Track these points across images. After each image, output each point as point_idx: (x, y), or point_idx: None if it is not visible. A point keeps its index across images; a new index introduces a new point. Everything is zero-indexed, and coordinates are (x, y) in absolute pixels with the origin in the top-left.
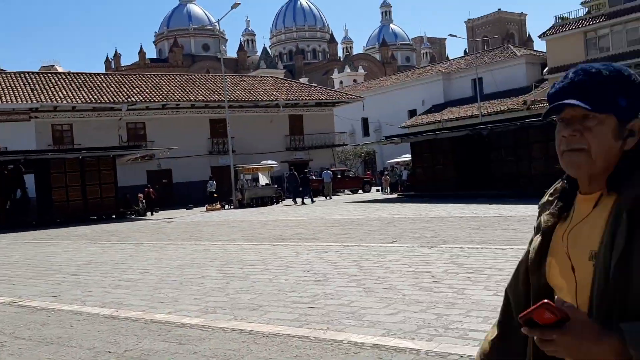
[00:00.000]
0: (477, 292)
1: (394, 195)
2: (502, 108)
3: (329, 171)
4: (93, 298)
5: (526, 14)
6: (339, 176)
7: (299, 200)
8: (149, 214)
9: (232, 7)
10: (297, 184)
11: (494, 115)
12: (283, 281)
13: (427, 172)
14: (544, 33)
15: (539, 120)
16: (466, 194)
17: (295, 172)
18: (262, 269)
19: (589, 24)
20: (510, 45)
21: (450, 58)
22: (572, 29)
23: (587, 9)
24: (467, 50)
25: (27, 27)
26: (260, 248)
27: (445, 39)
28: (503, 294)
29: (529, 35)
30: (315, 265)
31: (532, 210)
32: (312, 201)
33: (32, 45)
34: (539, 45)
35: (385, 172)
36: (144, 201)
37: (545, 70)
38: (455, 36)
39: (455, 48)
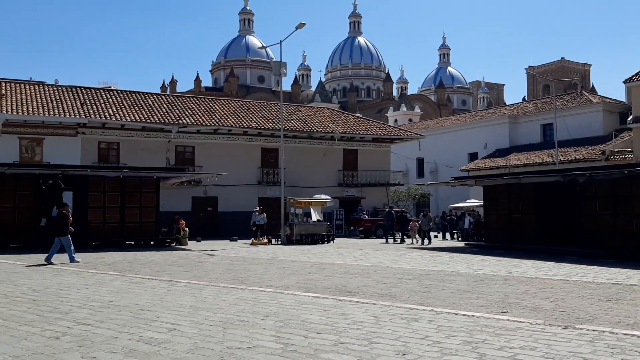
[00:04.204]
0: None
1: (461, 244)
2: (578, 157)
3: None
4: None
5: (590, 65)
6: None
7: (390, 240)
8: (192, 242)
9: (297, 28)
10: (393, 222)
11: (567, 164)
12: None
13: (502, 221)
14: (629, 78)
15: None
16: (548, 249)
17: (394, 211)
18: (335, 342)
19: None
20: (584, 92)
21: (507, 104)
22: None
23: None
24: (526, 97)
25: (88, 47)
26: (323, 304)
27: (503, 85)
28: None
29: (593, 85)
30: (409, 343)
31: None
32: (403, 240)
33: (91, 66)
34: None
35: (409, 216)
36: (186, 229)
37: (629, 118)
38: (536, 76)
39: (514, 95)
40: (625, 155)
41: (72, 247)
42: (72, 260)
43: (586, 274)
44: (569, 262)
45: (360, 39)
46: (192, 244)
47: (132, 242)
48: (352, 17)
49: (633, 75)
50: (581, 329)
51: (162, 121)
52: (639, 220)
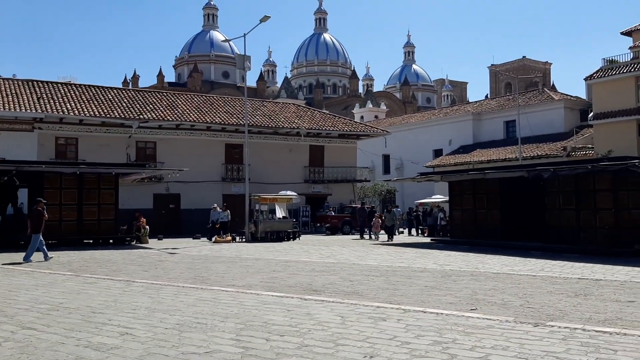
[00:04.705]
0: None
1: (427, 240)
2: (540, 153)
3: (399, 209)
4: None
5: (551, 63)
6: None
7: (366, 236)
8: (153, 240)
9: (261, 20)
10: (365, 218)
11: (529, 160)
12: None
13: (467, 216)
14: (590, 76)
15: (614, 165)
16: (513, 245)
17: (366, 207)
18: (299, 345)
19: None
20: (545, 89)
21: (470, 102)
22: (622, 72)
23: (633, 53)
24: (489, 95)
25: (47, 42)
26: (287, 303)
27: (466, 82)
28: None
29: (554, 83)
30: (377, 344)
31: (623, 272)
32: (370, 237)
33: (50, 60)
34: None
35: (372, 212)
36: (146, 227)
37: (590, 115)
38: (499, 73)
39: (477, 92)
40: (586, 151)
41: (35, 249)
42: (26, 259)
43: (552, 269)
44: (534, 257)
45: (326, 36)
46: (152, 242)
47: (90, 241)
48: (318, 13)
49: (593, 73)
50: (552, 326)
51: (123, 116)
52: (602, 215)
